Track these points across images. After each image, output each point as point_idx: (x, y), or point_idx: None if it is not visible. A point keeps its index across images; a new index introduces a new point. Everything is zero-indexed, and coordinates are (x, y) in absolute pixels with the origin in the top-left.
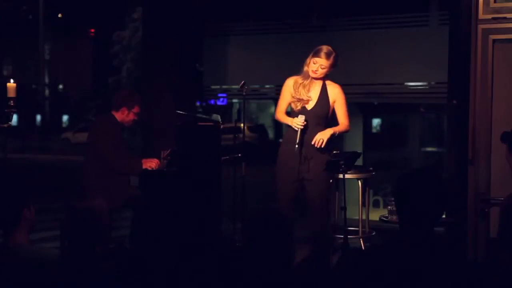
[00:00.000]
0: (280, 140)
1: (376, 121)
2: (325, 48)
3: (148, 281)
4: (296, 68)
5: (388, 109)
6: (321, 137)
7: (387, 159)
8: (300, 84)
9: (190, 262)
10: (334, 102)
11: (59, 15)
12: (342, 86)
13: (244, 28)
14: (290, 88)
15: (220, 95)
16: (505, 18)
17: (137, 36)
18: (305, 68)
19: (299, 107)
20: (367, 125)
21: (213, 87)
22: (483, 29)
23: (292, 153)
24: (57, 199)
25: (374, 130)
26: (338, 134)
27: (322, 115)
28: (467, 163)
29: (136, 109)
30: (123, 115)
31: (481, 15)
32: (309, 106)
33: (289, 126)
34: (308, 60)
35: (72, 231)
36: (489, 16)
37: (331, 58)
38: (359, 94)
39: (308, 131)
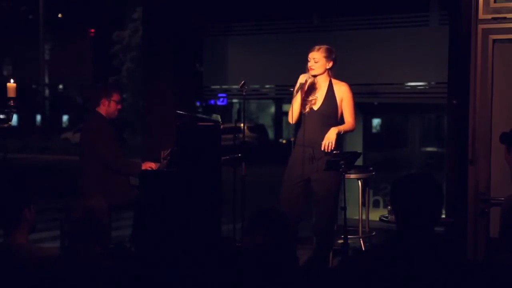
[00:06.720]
0: (280, 140)
1: (376, 121)
2: (317, 46)
3: (148, 281)
4: (297, 68)
5: (388, 109)
6: (328, 141)
7: (387, 159)
8: (306, 84)
9: (190, 262)
10: (341, 100)
11: (59, 15)
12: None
13: (244, 28)
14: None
15: (220, 95)
16: (505, 18)
17: (137, 36)
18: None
19: (307, 109)
20: (367, 125)
21: (213, 87)
22: (483, 29)
23: (301, 154)
24: (57, 199)
25: (374, 130)
26: (343, 132)
27: (329, 115)
28: (467, 163)
29: (115, 97)
30: (105, 107)
31: (481, 15)
32: (316, 107)
33: (298, 128)
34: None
35: (72, 231)
36: (489, 16)
37: (321, 50)
38: (359, 94)
39: (316, 131)
